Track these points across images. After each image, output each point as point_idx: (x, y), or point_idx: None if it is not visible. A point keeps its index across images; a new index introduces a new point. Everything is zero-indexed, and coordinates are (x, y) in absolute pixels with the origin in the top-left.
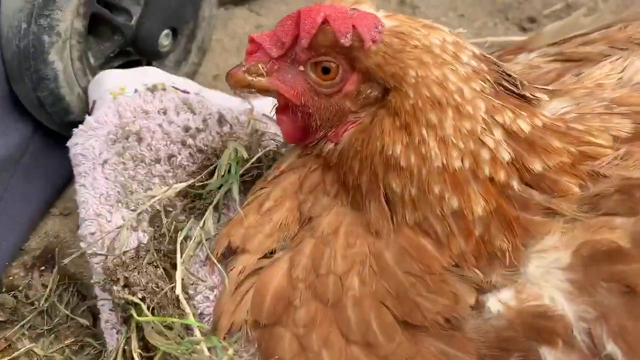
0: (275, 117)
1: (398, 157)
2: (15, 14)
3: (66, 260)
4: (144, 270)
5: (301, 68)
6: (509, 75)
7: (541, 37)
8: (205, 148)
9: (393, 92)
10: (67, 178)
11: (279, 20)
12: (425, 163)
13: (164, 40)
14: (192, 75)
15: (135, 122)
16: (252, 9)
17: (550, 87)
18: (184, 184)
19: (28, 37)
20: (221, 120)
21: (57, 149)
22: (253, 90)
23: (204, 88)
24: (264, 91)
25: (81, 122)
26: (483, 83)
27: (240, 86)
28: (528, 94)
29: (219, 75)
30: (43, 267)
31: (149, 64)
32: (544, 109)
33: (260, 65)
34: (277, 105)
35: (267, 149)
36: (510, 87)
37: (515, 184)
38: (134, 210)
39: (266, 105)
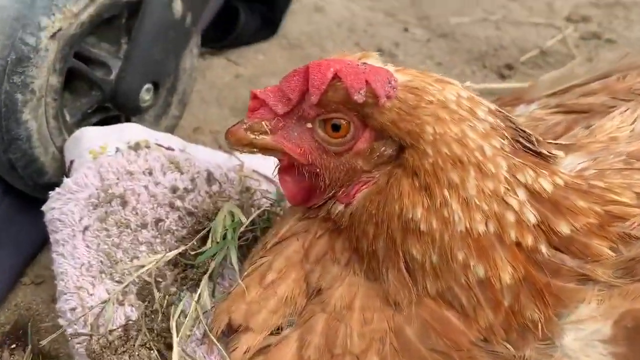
0: (277, 178)
1: (418, 220)
2: None
3: (44, 342)
4: (136, 353)
5: (309, 125)
6: (525, 132)
7: (537, 88)
8: (196, 210)
9: (410, 150)
10: (39, 244)
11: (258, 70)
12: (448, 227)
13: (145, 95)
14: (172, 129)
15: (118, 184)
16: (229, 58)
17: (562, 142)
18: (174, 252)
19: (0, 95)
20: (210, 178)
21: (28, 213)
22: (255, 149)
23: (188, 144)
24: (268, 150)
25: (56, 183)
26: (502, 140)
27: (241, 145)
28: (545, 151)
29: (200, 127)
30: (14, 345)
31: (127, 119)
32: (560, 165)
33: (264, 123)
34: (280, 165)
35: (262, 209)
36: (527, 144)
37: (543, 248)
38: (119, 282)
39: (256, 161)
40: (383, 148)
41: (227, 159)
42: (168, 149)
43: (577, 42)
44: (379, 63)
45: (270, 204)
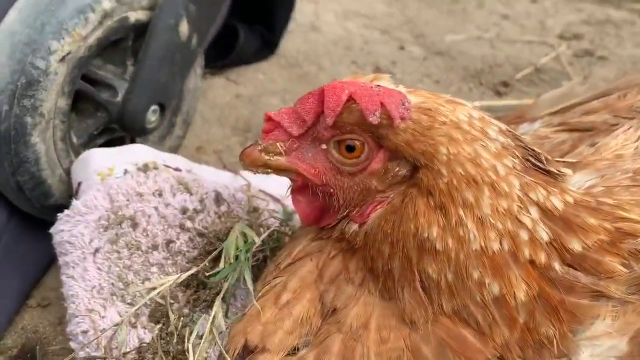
0: (289, 198)
1: (434, 239)
2: None
3: None
4: None
5: (323, 146)
6: (534, 150)
7: (538, 106)
8: (206, 231)
9: (424, 170)
10: (44, 266)
11: (258, 89)
12: (463, 246)
13: (152, 116)
14: (175, 149)
15: (128, 205)
16: (229, 77)
17: (569, 160)
18: (187, 274)
19: (9, 119)
20: (218, 199)
21: (33, 235)
22: (269, 170)
23: (193, 164)
24: (282, 171)
25: (62, 205)
26: (514, 159)
27: (255, 166)
28: (554, 170)
29: (202, 147)
30: None
31: (132, 140)
32: (569, 183)
33: (278, 144)
34: (293, 186)
35: (271, 229)
36: (536, 162)
37: (557, 265)
38: (131, 305)
39: (262, 180)
40: (397, 168)
41: (232, 178)
42: (175, 169)
43: (570, 60)
44: (391, 85)
45: (279, 223)
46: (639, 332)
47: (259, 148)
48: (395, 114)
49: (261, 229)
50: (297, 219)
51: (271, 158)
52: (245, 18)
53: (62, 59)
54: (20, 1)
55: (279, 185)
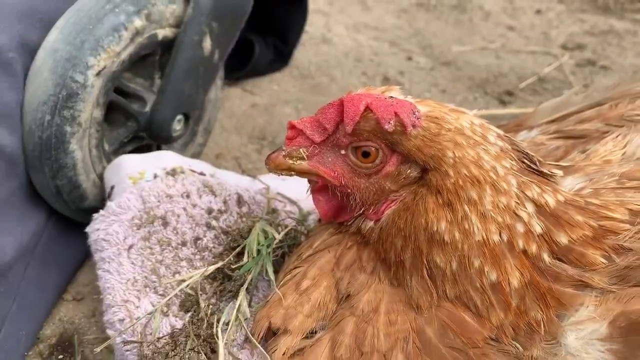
0: (309, 197)
1: (443, 232)
2: (39, 107)
3: (98, 349)
4: (187, 356)
5: (342, 152)
6: (528, 153)
7: (537, 115)
8: (230, 229)
9: (433, 171)
10: (78, 263)
11: (272, 99)
12: (468, 238)
13: (177, 125)
14: (197, 156)
15: (159, 206)
16: (245, 88)
17: (562, 164)
18: (214, 267)
19: (51, 128)
20: (240, 200)
21: (68, 235)
22: (292, 173)
23: (216, 169)
24: (304, 173)
25: (95, 207)
26: (511, 161)
27: (280, 169)
28: (546, 171)
29: (221, 153)
30: (61, 356)
31: (158, 147)
32: (561, 185)
33: (301, 150)
34: (313, 187)
35: (288, 227)
36: (530, 164)
37: (545, 256)
38: (162, 295)
39: (279, 183)
40: (408, 170)
41: (251, 182)
42: (200, 174)
43: (573, 69)
44: (401, 96)
45: (295, 223)
46: (617, 316)
47: (283, 153)
48: (408, 122)
49: (279, 228)
50: (312, 220)
51: (294, 162)
52: (260, 31)
53: (98, 74)
54: (61, 20)
55: (296, 189)
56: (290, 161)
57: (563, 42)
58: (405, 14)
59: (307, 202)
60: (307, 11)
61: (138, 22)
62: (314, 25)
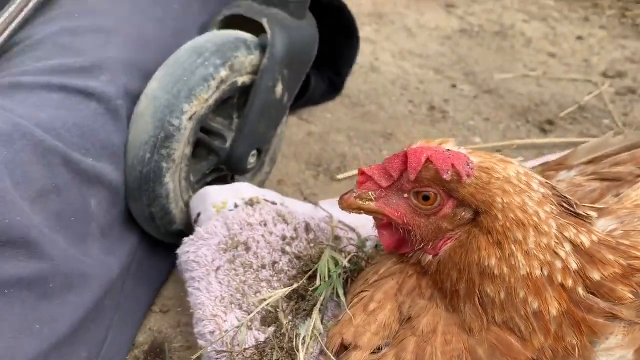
0: (375, 231)
1: (493, 267)
2: (141, 146)
3: (194, 357)
4: None
5: (405, 195)
6: (566, 197)
7: (576, 154)
8: (302, 255)
9: (484, 215)
10: (163, 279)
11: (326, 127)
12: (514, 272)
13: (251, 159)
14: (262, 183)
15: (242, 233)
16: (301, 117)
17: (597, 206)
18: (290, 288)
19: (150, 164)
20: (307, 228)
21: (156, 255)
22: (361, 211)
23: (284, 197)
24: (372, 212)
25: (181, 230)
26: (551, 205)
27: (351, 208)
28: (582, 213)
29: (283, 179)
30: None
31: (232, 177)
32: (595, 226)
33: (370, 192)
34: (378, 223)
35: (351, 254)
36: (568, 207)
37: (580, 290)
38: (245, 311)
39: (340, 213)
40: (463, 213)
41: (313, 209)
42: (272, 203)
43: (612, 97)
44: (455, 147)
45: (356, 249)
46: None
47: (354, 195)
48: (463, 172)
49: (343, 254)
50: (369, 245)
51: (364, 203)
52: (315, 65)
53: (190, 117)
54: (159, 72)
55: (354, 217)
56: (360, 202)
57: (604, 69)
58: (448, 40)
59: (364, 229)
60: (358, 44)
61: (223, 73)
62: (362, 53)
